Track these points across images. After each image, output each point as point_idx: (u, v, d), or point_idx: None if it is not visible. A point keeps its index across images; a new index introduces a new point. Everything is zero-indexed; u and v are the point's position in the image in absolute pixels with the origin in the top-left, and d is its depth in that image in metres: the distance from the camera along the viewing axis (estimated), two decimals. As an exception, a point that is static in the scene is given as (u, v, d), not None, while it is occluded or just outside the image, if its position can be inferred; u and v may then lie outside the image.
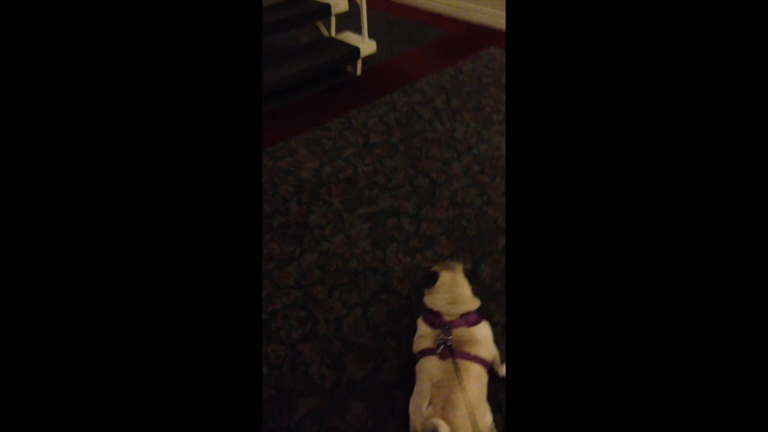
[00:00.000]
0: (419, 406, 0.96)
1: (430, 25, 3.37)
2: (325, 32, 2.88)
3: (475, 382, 0.98)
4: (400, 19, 3.48)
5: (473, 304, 1.12)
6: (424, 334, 1.07)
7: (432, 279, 1.16)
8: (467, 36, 3.17)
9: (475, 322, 1.08)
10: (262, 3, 2.76)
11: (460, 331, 1.05)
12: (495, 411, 1.10)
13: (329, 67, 2.58)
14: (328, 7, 2.67)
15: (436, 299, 1.12)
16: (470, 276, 1.18)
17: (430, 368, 1.00)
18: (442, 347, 1.00)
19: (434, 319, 1.08)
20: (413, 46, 3.05)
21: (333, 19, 2.81)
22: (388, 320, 1.35)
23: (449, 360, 0.98)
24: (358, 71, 2.74)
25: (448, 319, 1.07)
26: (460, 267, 1.19)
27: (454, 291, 1.12)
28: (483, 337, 1.06)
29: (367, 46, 2.69)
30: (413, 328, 1.14)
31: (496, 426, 1.08)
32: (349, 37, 2.77)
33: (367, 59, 2.81)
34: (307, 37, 2.93)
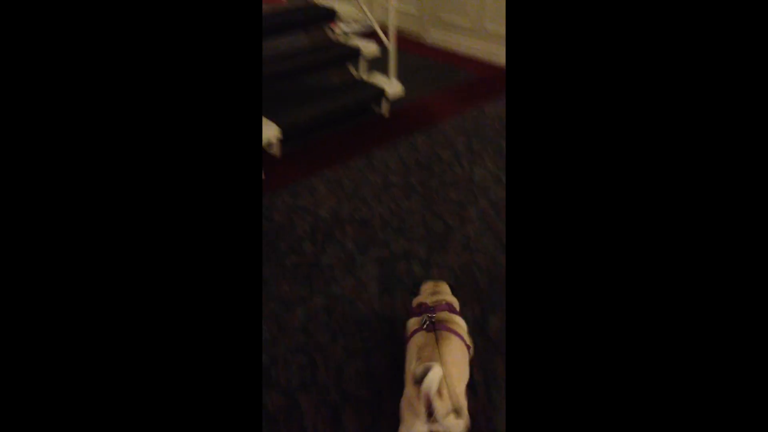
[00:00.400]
0: (408, 370, 1.04)
1: (458, 67, 3.43)
2: (355, 74, 2.99)
3: (457, 347, 1.08)
4: (429, 61, 3.57)
5: (453, 299, 1.26)
6: (413, 323, 1.19)
7: (417, 287, 1.37)
8: (494, 79, 3.20)
9: (457, 313, 1.20)
10: (297, 45, 2.92)
11: (443, 314, 1.16)
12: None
13: (356, 107, 2.66)
14: (357, 51, 2.79)
15: (421, 297, 1.28)
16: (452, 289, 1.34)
17: (416, 339, 1.10)
18: (427, 323, 1.11)
19: (420, 309, 1.20)
20: (440, 88, 3.11)
21: (363, 62, 2.92)
22: (389, 371, 1.32)
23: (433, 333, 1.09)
24: (385, 112, 2.81)
25: (432, 304, 1.20)
26: (442, 281, 1.35)
27: (435, 289, 1.29)
28: (462, 326, 1.18)
29: (394, 88, 2.77)
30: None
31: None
32: (378, 78, 2.86)
33: (394, 100, 2.89)
34: (339, 78, 3.05)
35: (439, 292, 1.26)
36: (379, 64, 3.25)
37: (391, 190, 2.09)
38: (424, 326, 1.10)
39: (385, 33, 2.65)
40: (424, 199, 2.02)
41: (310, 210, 1.99)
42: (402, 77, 3.11)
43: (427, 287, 1.30)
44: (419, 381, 0.89)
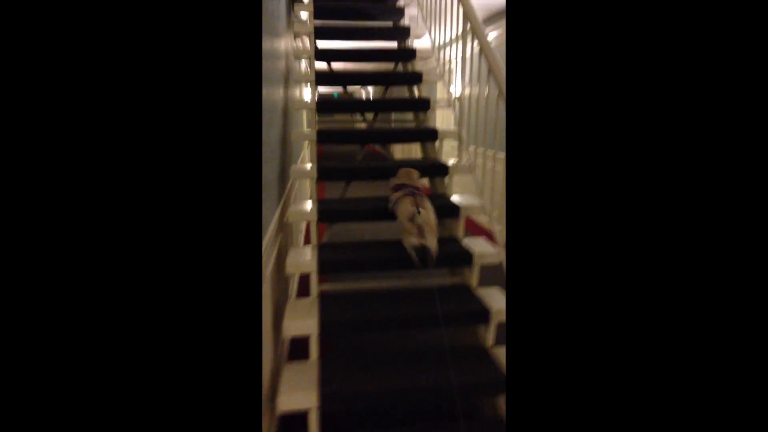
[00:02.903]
0: (404, 213, 1.87)
1: None
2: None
3: (430, 204, 1.92)
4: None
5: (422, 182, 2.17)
6: (397, 195, 1.99)
7: (393, 172, 2.17)
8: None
9: (428, 196, 2.01)
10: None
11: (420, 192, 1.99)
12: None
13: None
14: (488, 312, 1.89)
15: (398, 179, 2.09)
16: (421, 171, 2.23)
17: (405, 200, 1.91)
18: (411, 192, 1.94)
19: (401, 187, 2.02)
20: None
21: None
22: None
23: (413, 199, 1.90)
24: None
25: (411, 184, 2.03)
26: (414, 169, 2.16)
27: (408, 174, 2.11)
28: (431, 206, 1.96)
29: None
30: None
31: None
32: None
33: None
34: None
35: (411, 178, 2.07)
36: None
37: None
38: (408, 194, 1.91)
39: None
40: None
41: None
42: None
43: (402, 172, 2.11)
44: (412, 218, 1.79)
